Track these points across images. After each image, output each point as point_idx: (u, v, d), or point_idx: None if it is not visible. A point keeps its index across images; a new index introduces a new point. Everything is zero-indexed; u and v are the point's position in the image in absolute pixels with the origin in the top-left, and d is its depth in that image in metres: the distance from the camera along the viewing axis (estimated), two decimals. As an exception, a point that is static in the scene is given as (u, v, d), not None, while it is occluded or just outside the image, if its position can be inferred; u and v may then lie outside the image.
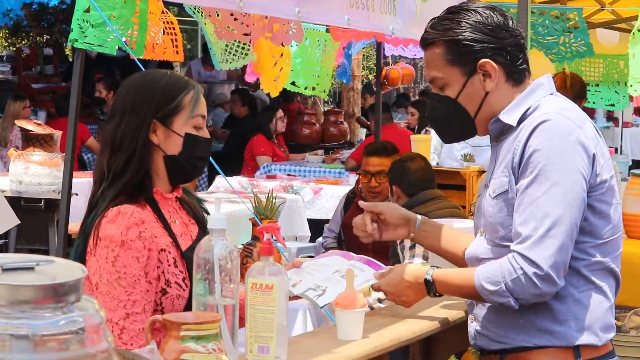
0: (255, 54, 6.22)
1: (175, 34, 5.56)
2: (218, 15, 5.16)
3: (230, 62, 6.19)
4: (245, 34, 5.15)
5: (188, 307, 2.67)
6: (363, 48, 7.67)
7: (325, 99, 17.38)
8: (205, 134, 2.81)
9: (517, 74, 2.82)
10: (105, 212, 2.66)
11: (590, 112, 17.82)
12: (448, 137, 3.01)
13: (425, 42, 2.85)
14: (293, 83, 6.81)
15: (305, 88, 6.87)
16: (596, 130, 2.78)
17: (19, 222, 4.57)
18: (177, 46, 5.62)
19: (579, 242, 2.70)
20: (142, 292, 2.62)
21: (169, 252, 2.69)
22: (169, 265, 2.68)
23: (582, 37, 6.05)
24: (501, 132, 2.82)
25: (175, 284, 2.68)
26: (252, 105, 13.25)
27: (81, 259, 2.67)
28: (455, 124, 2.87)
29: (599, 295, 2.74)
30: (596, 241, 2.73)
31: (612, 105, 8.15)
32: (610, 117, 19.28)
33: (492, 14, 2.80)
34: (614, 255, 2.77)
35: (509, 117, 2.78)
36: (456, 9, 2.83)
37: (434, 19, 2.88)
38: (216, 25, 5.21)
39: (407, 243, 4.94)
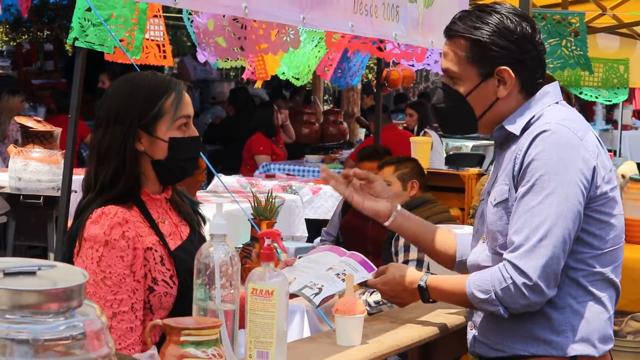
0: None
1: (164, 38, 5.59)
2: (209, 23, 5.15)
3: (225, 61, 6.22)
4: (237, 49, 5.16)
5: (176, 305, 2.69)
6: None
7: (325, 98, 17.36)
8: (192, 132, 2.80)
9: (532, 87, 2.80)
10: (90, 214, 2.67)
11: (590, 115, 17.79)
12: (448, 128, 3.00)
13: (450, 33, 2.83)
14: (283, 73, 7.00)
15: (297, 78, 7.02)
16: (599, 141, 2.76)
17: None
18: (164, 51, 5.64)
19: (577, 252, 2.69)
20: (129, 291, 2.62)
21: (156, 251, 2.70)
22: (156, 263, 2.69)
23: (581, 48, 6.02)
24: (505, 140, 2.81)
25: (162, 281, 2.69)
26: (241, 103, 13.01)
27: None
28: (459, 118, 2.86)
29: (598, 306, 2.73)
30: (595, 252, 2.71)
31: (610, 101, 8.17)
32: (609, 119, 19.28)
33: (522, 23, 2.77)
34: (613, 266, 2.75)
35: (513, 125, 2.77)
36: (489, 9, 2.79)
37: (464, 11, 2.87)
38: (206, 38, 5.21)
39: (401, 242, 4.94)
